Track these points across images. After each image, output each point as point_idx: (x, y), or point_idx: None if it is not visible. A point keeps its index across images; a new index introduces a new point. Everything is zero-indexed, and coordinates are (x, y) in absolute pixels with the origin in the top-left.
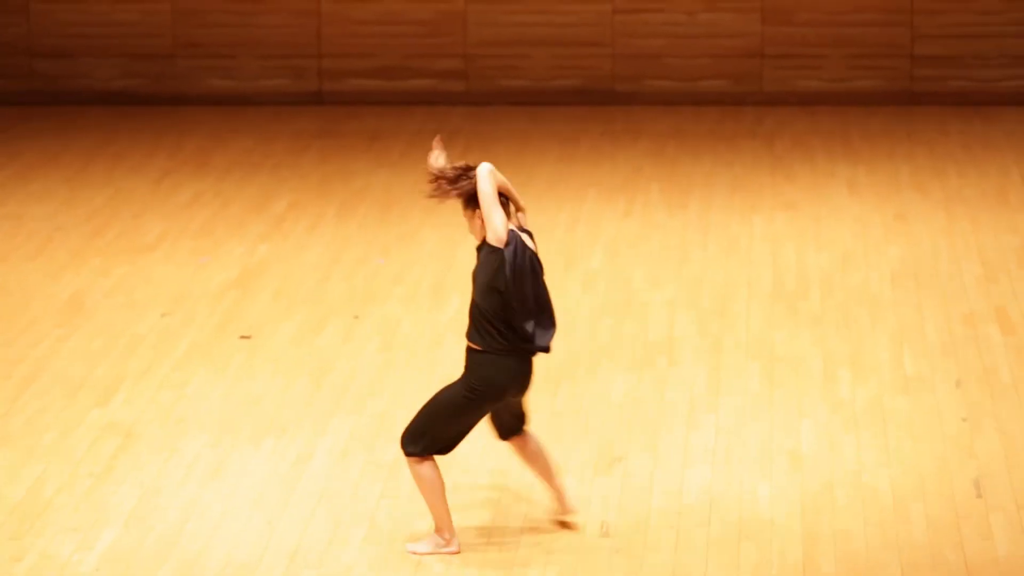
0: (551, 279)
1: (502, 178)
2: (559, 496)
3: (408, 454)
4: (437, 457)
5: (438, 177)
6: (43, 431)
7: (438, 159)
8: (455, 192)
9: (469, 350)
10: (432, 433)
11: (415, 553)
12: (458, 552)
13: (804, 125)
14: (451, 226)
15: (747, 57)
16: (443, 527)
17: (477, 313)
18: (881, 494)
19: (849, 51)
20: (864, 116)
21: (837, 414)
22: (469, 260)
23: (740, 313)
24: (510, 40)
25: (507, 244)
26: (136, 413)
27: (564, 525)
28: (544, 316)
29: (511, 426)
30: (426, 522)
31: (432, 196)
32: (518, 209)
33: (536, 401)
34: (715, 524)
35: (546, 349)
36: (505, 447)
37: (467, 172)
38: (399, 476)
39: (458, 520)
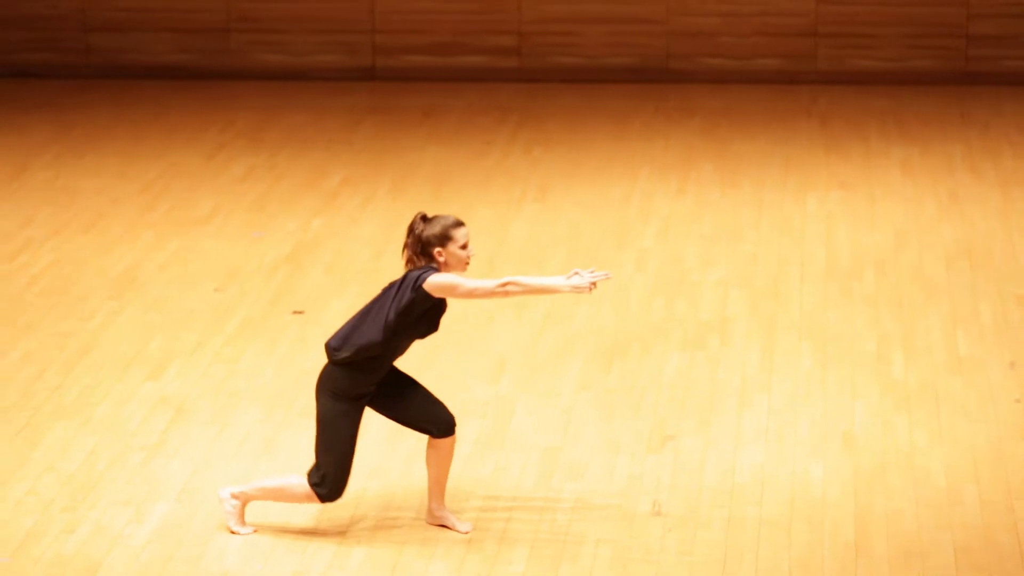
0: (604, 257)
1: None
2: None
3: None
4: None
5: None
6: (96, 404)
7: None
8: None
9: None
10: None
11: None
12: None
13: (858, 104)
14: (504, 203)
15: (801, 36)
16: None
17: None
18: (934, 475)
19: (904, 30)
20: (918, 96)
21: (890, 395)
22: (521, 235)
23: (793, 293)
24: (564, 17)
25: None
26: (188, 387)
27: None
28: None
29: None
30: (478, 498)
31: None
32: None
33: (589, 379)
34: (767, 504)
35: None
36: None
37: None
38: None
39: (512, 497)
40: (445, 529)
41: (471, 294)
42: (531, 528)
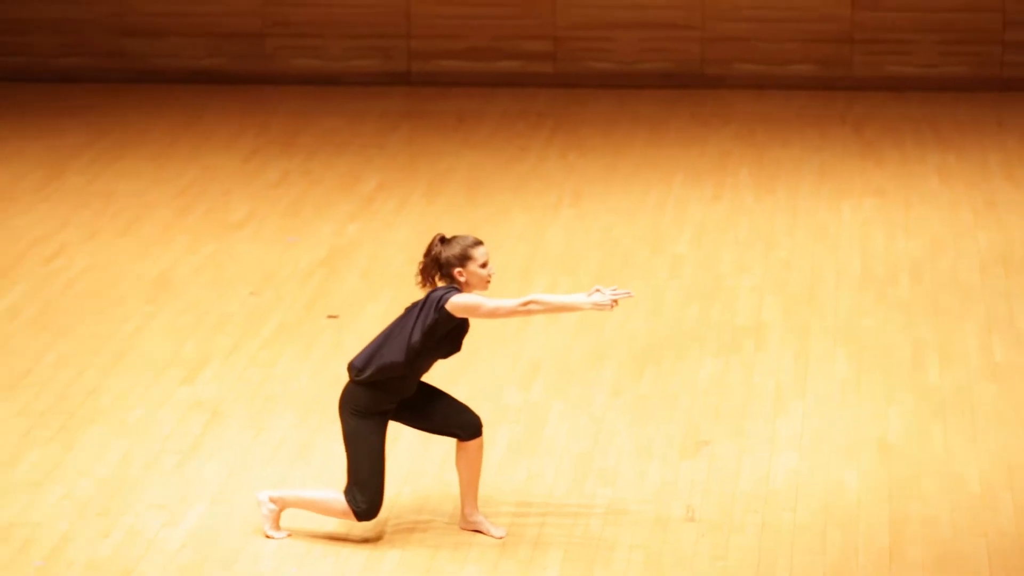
0: (639, 263)
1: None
2: None
3: None
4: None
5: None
6: (131, 408)
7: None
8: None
9: None
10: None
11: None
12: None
13: (893, 111)
14: (539, 208)
15: (837, 42)
16: None
17: None
18: (969, 482)
19: (939, 37)
20: (954, 102)
21: (925, 401)
22: (556, 241)
23: (828, 299)
24: (599, 22)
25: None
26: (223, 391)
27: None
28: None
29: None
30: (513, 501)
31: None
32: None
33: (623, 384)
34: (801, 510)
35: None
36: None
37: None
38: (485, 459)
39: (545, 503)
40: (479, 534)
41: (493, 313)
42: (564, 533)
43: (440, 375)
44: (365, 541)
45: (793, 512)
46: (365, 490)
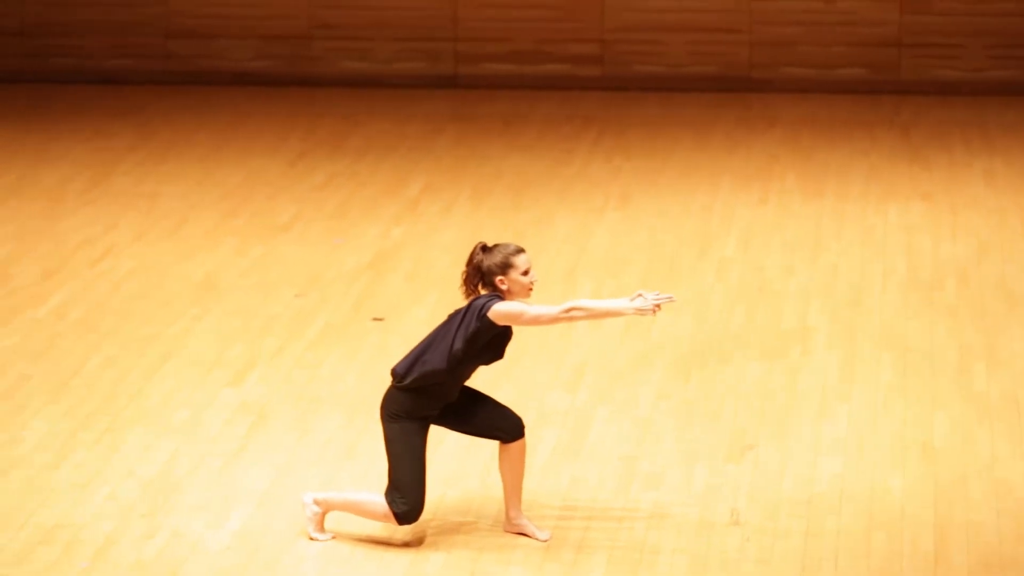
0: (685, 266)
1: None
2: None
3: None
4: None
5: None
6: (176, 410)
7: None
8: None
9: None
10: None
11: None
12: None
13: (941, 115)
14: (585, 211)
15: (884, 46)
16: None
17: None
18: (1015, 487)
19: (988, 40)
20: (1002, 106)
21: (971, 406)
22: (602, 244)
23: (874, 303)
24: (646, 25)
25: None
26: (269, 393)
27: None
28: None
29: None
30: (563, 505)
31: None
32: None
33: (668, 387)
34: (846, 514)
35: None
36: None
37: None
38: (529, 462)
39: (590, 506)
40: (523, 536)
41: (536, 321)
42: (609, 536)
43: (485, 379)
44: (408, 544)
45: (838, 516)
46: (406, 493)
